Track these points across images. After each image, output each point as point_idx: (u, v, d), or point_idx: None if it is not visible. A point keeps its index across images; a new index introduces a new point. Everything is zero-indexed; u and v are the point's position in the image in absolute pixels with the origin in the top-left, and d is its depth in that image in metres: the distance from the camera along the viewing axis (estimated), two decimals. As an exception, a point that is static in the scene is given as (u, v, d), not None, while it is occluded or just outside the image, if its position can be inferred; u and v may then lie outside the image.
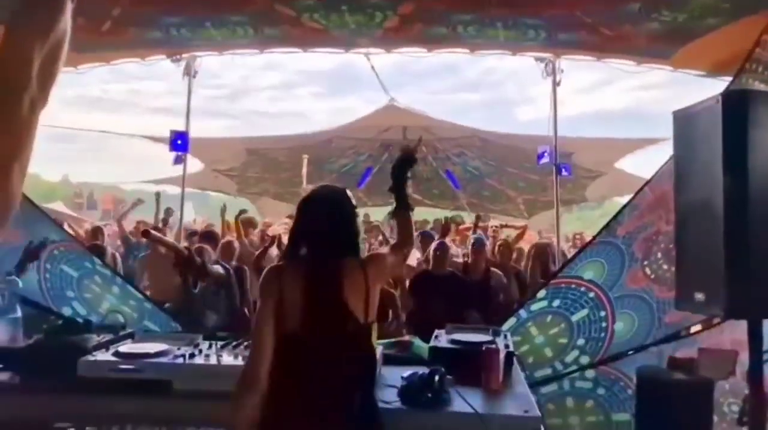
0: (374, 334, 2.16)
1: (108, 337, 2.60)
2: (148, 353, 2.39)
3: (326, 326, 2.01)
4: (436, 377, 2.23)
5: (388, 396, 2.26)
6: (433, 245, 5.28)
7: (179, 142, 7.96)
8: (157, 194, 7.77)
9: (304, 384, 1.97)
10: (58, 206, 14.02)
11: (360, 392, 1.99)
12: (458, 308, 4.58)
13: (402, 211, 2.43)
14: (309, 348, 1.99)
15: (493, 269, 5.47)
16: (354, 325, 2.02)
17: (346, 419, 1.94)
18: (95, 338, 2.54)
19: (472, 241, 5.66)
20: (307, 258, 2.13)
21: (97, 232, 6.70)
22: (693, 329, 3.78)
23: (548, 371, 3.79)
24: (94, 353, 2.38)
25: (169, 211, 7.77)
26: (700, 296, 1.98)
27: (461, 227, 9.83)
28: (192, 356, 2.37)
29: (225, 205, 7.28)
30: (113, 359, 2.35)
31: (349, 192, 2.28)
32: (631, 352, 3.69)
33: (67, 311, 3.83)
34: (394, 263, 2.33)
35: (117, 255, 6.42)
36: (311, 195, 2.27)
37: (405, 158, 2.47)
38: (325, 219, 2.15)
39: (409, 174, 2.45)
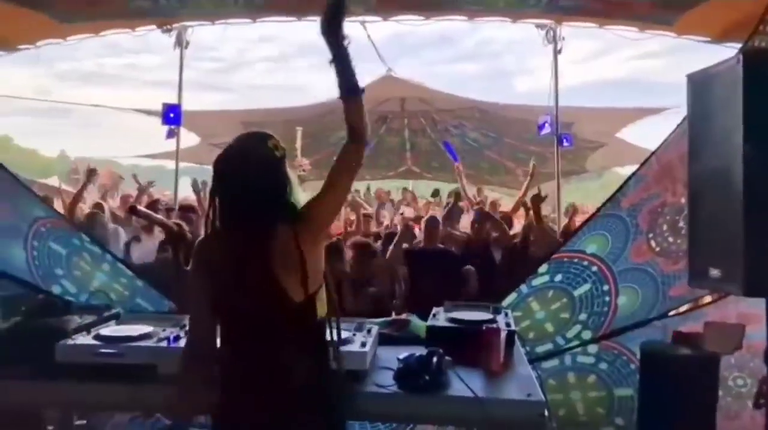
0: (321, 303, 1.89)
1: (90, 319, 2.48)
2: (130, 336, 2.27)
3: (258, 308, 1.82)
4: (434, 359, 2.13)
5: (384, 380, 2.16)
6: (423, 220, 5.20)
7: (172, 116, 7.87)
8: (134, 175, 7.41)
9: (247, 368, 1.83)
10: (54, 181, 13.88)
11: (308, 373, 1.82)
12: (453, 284, 4.49)
13: (347, 92, 1.84)
14: (244, 332, 1.85)
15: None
16: (289, 303, 1.81)
17: (296, 401, 1.81)
18: (76, 320, 2.42)
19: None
20: (232, 232, 1.87)
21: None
22: (699, 303, 3.71)
23: (549, 347, 3.71)
24: (73, 337, 2.26)
25: (150, 183, 7.31)
26: (715, 273, 1.85)
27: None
28: (177, 338, 2.25)
29: (196, 180, 6.16)
30: (94, 342, 2.23)
31: (272, 140, 1.90)
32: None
33: (56, 290, 3.74)
34: (339, 189, 1.92)
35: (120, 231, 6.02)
36: (224, 152, 1.90)
37: (333, 6, 1.79)
38: (240, 181, 1.84)
39: (345, 31, 1.80)
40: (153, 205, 6.10)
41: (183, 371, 1.91)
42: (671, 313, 3.60)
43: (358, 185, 11.22)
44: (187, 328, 2.39)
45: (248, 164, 1.85)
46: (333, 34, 1.80)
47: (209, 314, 1.87)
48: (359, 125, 1.86)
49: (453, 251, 5.10)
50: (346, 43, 1.81)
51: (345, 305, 4.74)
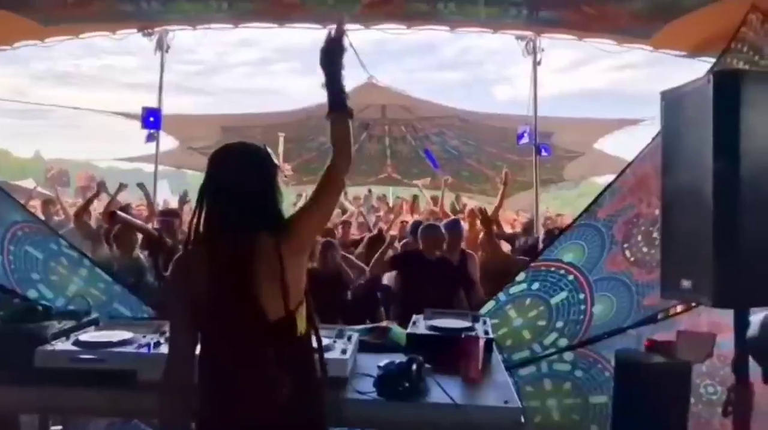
0: (300, 319, 1.85)
1: (70, 324, 2.47)
2: (110, 341, 2.27)
3: (237, 324, 1.78)
4: (414, 366, 2.16)
5: (364, 386, 2.18)
6: (421, 228, 5.12)
7: (151, 119, 7.81)
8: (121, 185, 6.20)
9: (227, 385, 1.78)
10: (29, 183, 13.68)
11: (286, 389, 1.76)
12: (447, 293, 4.47)
13: (337, 113, 1.93)
14: (225, 349, 1.79)
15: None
16: (270, 318, 1.77)
17: (278, 417, 1.76)
18: (56, 326, 2.40)
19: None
20: (215, 239, 1.80)
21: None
22: (671, 312, 3.79)
23: (526, 354, 3.76)
24: (52, 343, 2.25)
25: (121, 187, 6.03)
26: (686, 284, 1.91)
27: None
28: (158, 344, 2.25)
29: (186, 192, 6.30)
30: (73, 348, 2.22)
31: (268, 149, 1.91)
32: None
33: (32, 294, 3.69)
34: (325, 207, 1.94)
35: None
36: (221, 148, 1.89)
37: (334, 40, 1.97)
38: (235, 175, 1.81)
39: (342, 61, 1.95)
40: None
41: (162, 391, 1.85)
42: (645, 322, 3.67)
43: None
44: (167, 334, 2.40)
45: (246, 160, 1.86)
46: (332, 67, 1.94)
47: (188, 333, 1.82)
48: (344, 145, 1.91)
49: (450, 260, 4.99)
50: (342, 72, 1.95)
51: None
